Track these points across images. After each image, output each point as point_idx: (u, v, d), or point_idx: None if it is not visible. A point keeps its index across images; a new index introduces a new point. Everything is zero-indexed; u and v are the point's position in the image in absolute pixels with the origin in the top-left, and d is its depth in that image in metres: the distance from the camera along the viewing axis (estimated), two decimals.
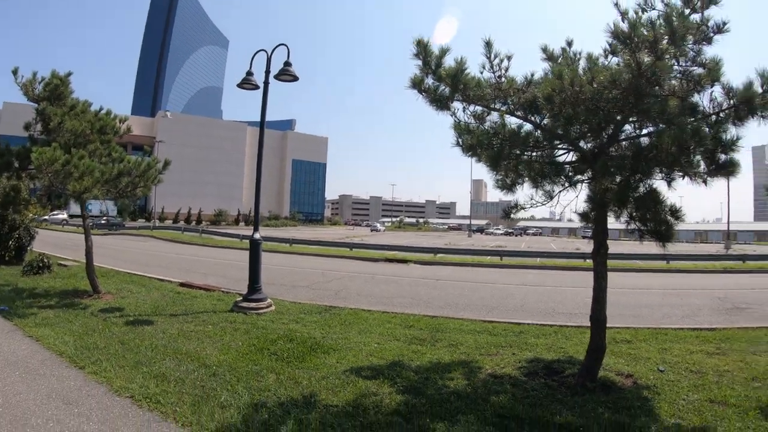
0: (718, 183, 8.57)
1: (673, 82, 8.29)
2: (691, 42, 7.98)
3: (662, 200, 8.09)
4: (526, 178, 8.86)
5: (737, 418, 7.52)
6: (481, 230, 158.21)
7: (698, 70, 8.18)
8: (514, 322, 14.43)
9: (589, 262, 37.85)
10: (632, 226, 8.36)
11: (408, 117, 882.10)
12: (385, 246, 46.93)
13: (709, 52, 8.07)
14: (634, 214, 8.22)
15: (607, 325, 13.08)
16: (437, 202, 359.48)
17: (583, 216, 8.71)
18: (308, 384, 8.41)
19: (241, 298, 15.35)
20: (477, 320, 14.57)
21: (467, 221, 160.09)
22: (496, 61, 8.39)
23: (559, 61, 8.82)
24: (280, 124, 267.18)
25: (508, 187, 9.08)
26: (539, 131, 8.59)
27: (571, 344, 11.60)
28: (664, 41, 7.37)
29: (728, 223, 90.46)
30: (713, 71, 7.95)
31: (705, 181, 8.51)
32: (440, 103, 8.57)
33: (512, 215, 9.68)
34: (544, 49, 8.90)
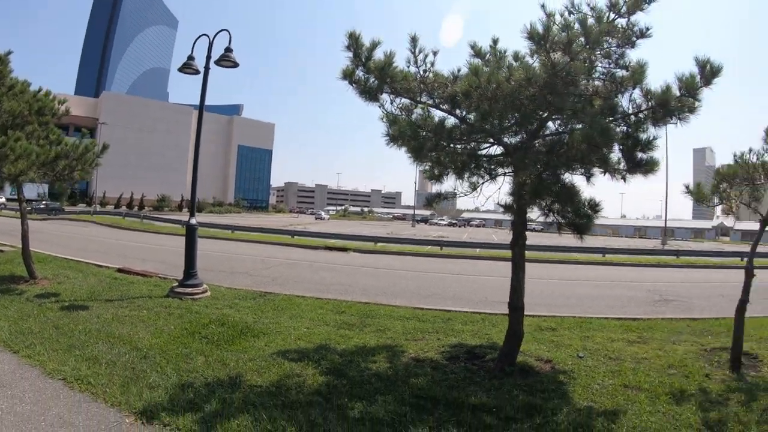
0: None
1: (597, 82, 8.62)
2: (614, 45, 8.33)
3: (578, 194, 8.43)
4: (450, 170, 9.10)
5: (648, 402, 7.90)
6: (425, 220, 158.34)
7: (622, 72, 8.53)
8: (444, 309, 14.73)
9: (528, 253, 38.90)
10: (551, 218, 8.68)
11: (356, 106, 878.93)
12: (327, 234, 47.19)
13: (634, 55, 8.43)
14: (553, 206, 8.54)
15: (535, 313, 13.53)
16: (383, 192, 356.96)
17: (506, 207, 9.02)
18: (235, 366, 8.58)
19: (177, 283, 15.35)
20: (408, 307, 14.86)
21: (412, 211, 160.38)
22: (421, 56, 8.56)
23: (487, 58, 9.02)
24: (227, 108, 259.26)
25: (436, 177, 9.32)
26: (464, 125, 8.80)
27: (496, 331, 11.90)
28: (580, 43, 7.66)
29: (665, 220, 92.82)
30: (636, 74, 8.28)
31: (624, 178, 8.89)
32: (369, 94, 8.73)
33: (435, 204, 9.96)
34: (473, 46, 9.08)
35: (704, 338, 12.67)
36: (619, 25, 8.16)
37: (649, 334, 12.85)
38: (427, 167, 9.34)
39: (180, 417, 6.43)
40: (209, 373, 8.16)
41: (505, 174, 9.01)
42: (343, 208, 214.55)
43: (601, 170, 8.79)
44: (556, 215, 8.61)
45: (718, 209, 11.43)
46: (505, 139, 8.87)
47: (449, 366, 9.17)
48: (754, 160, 10.56)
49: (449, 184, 9.46)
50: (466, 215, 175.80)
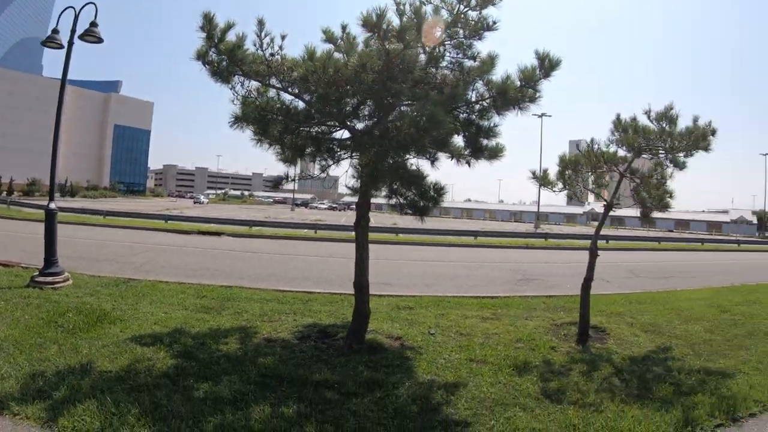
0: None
1: (446, 71, 8.96)
2: (462, 36, 8.67)
3: (421, 177, 8.76)
4: (294, 152, 9.22)
5: (490, 374, 8.35)
6: (305, 204, 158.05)
7: (471, 63, 8.91)
8: (307, 291, 14.91)
9: (402, 236, 39.60)
10: (393, 200, 8.99)
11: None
12: (204, 218, 46.60)
13: (485, 47, 8.83)
14: (399, 189, 8.84)
15: (397, 293, 13.91)
16: (264, 175, 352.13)
17: (352, 190, 9.27)
18: (88, 353, 8.46)
19: (38, 272, 14.92)
20: (271, 290, 14.90)
21: (292, 195, 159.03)
22: (267, 39, 8.53)
23: (338, 43, 9.11)
24: (103, 85, 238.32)
25: (289, 160, 9.40)
26: (313, 109, 8.91)
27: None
28: (414, 32, 7.93)
29: (538, 205, 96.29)
30: (486, 65, 8.67)
31: (469, 163, 9.31)
32: (221, 76, 8.69)
33: (281, 186, 10.10)
34: (325, 32, 9.11)
35: (557, 314, 13.44)
36: (470, 18, 8.50)
37: (504, 311, 13.47)
38: (278, 150, 9.39)
39: (29, 406, 6.36)
40: (61, 362, 8.03)
41: (351, 157, 9.21)
42: (223, 191, 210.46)
43: (447, 155, 9.16)
44: (399, 197, 8.92)
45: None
46: (354, 124, 9.09)
47: (299, 345, 9.38)
48: (596, 149, 11.26)
49: (303, 166, 9.63)
50: (347, 199, 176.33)
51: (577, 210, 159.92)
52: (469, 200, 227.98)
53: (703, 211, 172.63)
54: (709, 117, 10.70)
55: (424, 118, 7.48)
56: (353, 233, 28.38)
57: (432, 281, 19.27)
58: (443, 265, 25.14)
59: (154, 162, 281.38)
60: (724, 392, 8.22)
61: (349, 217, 70.86)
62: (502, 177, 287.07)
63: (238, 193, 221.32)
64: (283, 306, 12.70)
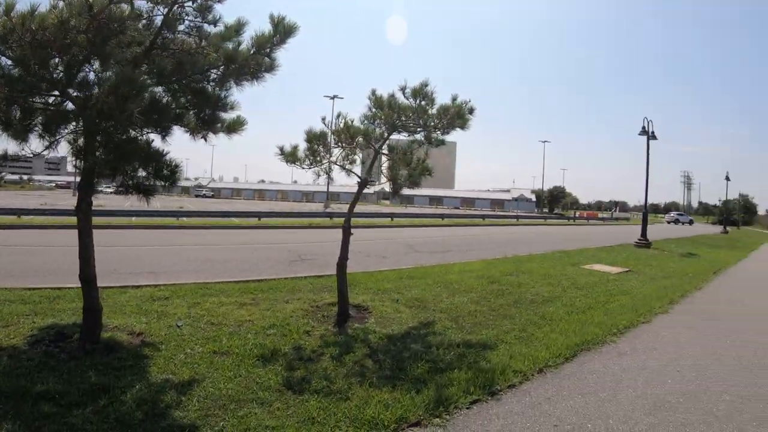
0: None
1: (186, 37, 8.40)
2: None
3: (145, 152, 8.10)
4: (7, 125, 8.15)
5: (232, 367, 7.90)
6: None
7: (211, 28, 8.41)
8: (57, 286, 13.23)
9: (184, 220, 38.74)
10: (119, 180, 8.31)
11: None
12: None
13: (231, 13, 8.32)
14: (125, 167, 8.15)
15: (156, 282, 13.19)
16: (47, 157, 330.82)
17: (76, 168, 8.60)
18: None
19: None
20: (18, 288, 13.00)
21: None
22: None
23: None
24: None
25: (18, 136, 8.33)
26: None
27: (107, 306, 10.76)
28: None
29: (328, 184, 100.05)
30: (229, 30, 8.18)
31: (205, 138, 8.84)
32: None
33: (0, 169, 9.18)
34: None
35: (320, 295, 13.40)
36: None
37: (266, 294, 13.15)
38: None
39: None
40: None
41: (76, 132, 8.37)
42: None
43: (183, 128, 8.65)
44: (126, 177, 8.24)
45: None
46: (82, 93, 8.13)
47: (29, 351, 8.30)
48: (342, 123, 11.19)
49: (36, 143, 8.60)
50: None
51: (368, 189, 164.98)
52: (263, 181, 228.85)
53: (488, 190, 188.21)
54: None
55: (122, 83, 6.78)
56: (133, 219, 26.98)
57: (202, 267, 18.57)
58: (219, 249, 24.58)
59: None
60: (483, 365, 8.33)
61: (133, 202, 68.49)
62: None
63: (16, 177, 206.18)
64: (26, 306, 11.13)
